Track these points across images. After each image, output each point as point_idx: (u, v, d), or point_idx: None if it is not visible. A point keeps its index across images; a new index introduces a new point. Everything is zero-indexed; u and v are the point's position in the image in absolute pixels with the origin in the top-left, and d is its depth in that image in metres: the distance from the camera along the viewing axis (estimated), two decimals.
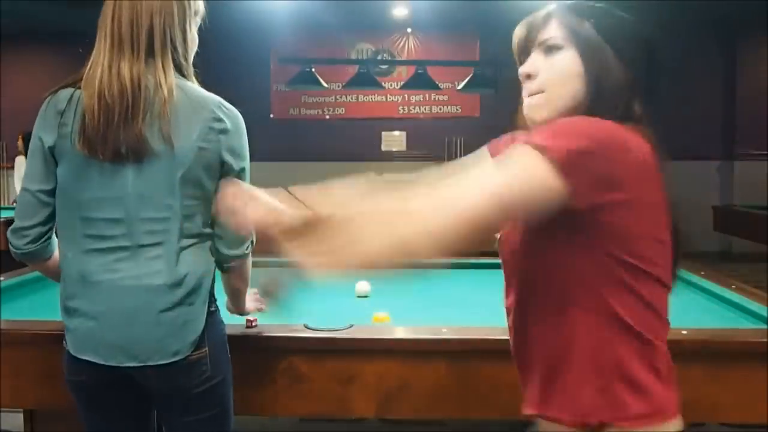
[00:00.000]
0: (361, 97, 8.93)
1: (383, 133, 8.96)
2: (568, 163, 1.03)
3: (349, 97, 8.91)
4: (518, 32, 1.27)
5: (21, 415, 2.27)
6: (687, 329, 1.94)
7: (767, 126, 8.06)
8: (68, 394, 1.87)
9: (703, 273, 2.71)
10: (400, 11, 7.90)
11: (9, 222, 5.18)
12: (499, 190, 1.03)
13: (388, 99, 8.88)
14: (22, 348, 2.01)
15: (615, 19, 1.28)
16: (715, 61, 8.73)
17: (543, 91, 1.22)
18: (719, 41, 8.70)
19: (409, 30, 8.75)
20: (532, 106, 1.23)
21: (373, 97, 8.86)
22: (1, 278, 2.66)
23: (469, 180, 1.05)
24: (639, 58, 1.26)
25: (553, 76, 1.21)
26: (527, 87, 1.23)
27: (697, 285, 2.62)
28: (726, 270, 2.99)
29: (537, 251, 1.16)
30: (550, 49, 1.22)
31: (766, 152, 8.12)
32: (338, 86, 8.02)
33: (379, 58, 8.86)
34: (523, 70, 1.24)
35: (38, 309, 2.37)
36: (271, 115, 9.02)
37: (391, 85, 8.60)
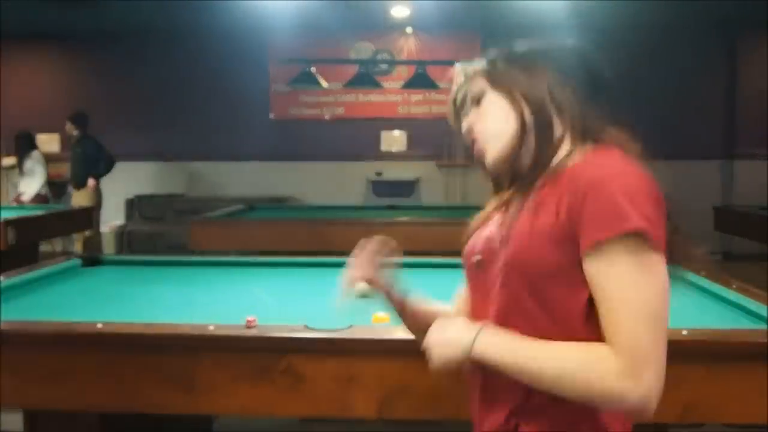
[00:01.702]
0: (360, 97, 8.92)
1: (383, 133, 8.96)
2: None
3: (348, 97, 8.90)
4: (450, 102, 1.32)
5: (21, 415, 2.27)
6: (687, 329, 1.94)
7: (767, 126, 8.06)
8: (68, 394, 1.87)
9: (703, 273, 2.71)
10: (400, 11, 7.90)
11: (9, 222, 5.18)
12: (663, 313, 1.12)
13: (388, 99, 8.87)
14: (22, 348, 2.01)
15: (527, 46, 1.29)
16: (715, 61, 8.73)
17: (481, 139, 1.25)
18: (719, 41, 8.69)
19: (409, 30, 8.74)
20: (479, 156, 1.26)
21: (372, 97, 8.86)
22: (1, 278, 2.66)
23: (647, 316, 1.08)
24: (570, 72, 1.27)
25: (484, 121, 1.25)
26: (470, 141, 1.27)
27: (697, 285, 2.62)
28: (726, 270, 2.98)
29: (560, 279, 1.13)
30: (476, 100, 1.27)
31: (766, 152, 8.12)
32: (338, 86, 8.01)
33: (379, 58, 8.86)
34: (463, 128, 1.28)
35: (38, 309, 2.37)
36: (271, 115, 9.02)
37: (391, 85, 8.60)
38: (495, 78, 1.24)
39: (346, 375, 1.92)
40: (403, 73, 8.53)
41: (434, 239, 4.50)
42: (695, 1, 7.31)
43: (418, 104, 8.79)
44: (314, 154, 8.89)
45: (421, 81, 6.75)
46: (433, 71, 6.90)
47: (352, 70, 7.22)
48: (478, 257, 1.25)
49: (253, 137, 8.87)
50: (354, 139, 8.94)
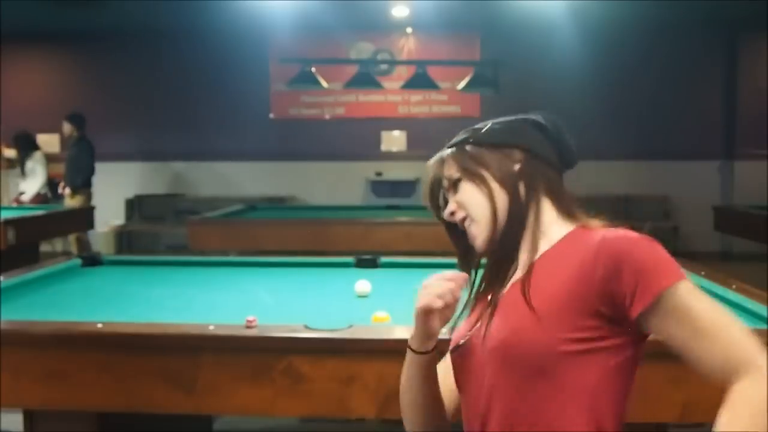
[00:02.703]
0: (361, 97, 8.93)
1: (383, 133, 8.96)
2: None
3: (348, 97, 8.90)
4: (426, 189, 1.34)
5: (21, 415, 2.27)
6: None
7: (767, 126, 8.06)
8: (68, 394, 1.87)
9: (703, 273, 2.71)
10: (400, 11, 7.89)
11: (9, 222, 5.19)
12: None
13: (388, 99, 8.87)
14: (22, 348, 2.01)
15: (490, 125, 1.31)
16: (715, 61, 8.73)
17: (472, 220, 1.26)
18: (719, 41, 8.69)
19: (409, 30, 8.74)
20: (470, 234, 1.28)
21: (373, 97, 8.86)
22: (1, 278, 2.66)
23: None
24: (532, 135, 1.29)
25: (468, 204, 1.26)
26: (459, 222, 1.28)
27: (697, 285, 2.61)
28: (726, 270, 2.98)
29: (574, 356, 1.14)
30: (453, 186, 1.29)
31: (766, 152, 8.12)
32: (338, 86, 8.01)
33: (379, 58, 8.86)
34: (446, 214, 1.29)
35: (38, 309, 2.37)
36: (271, 115, 9.02)
37: (391, 85, 8.59)
38: (464, 164, 1.27)
39: (346, 375, 1.92)
40: (403, 73, 8.53)
41: (434, 239, 4.50)
42: (695, 1, 7.31)
43: (418, 104, 8.79)
44: (314, 154, 8.90)
45: (421, 81, 6.74)
46: (433, 71, 6.89)
47: (352, 70, 7.21)
48: (462, 341, 1.25)
49: (253, 137, 8.87)
50: (354, 139, 8.94)
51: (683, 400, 1.87)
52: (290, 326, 2.00)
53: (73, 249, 7.49)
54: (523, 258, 1.23)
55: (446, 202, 1.32)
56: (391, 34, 8.83)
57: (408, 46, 8.88)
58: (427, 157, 1.32)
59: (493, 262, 1.26)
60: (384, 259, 3.22)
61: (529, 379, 1.14)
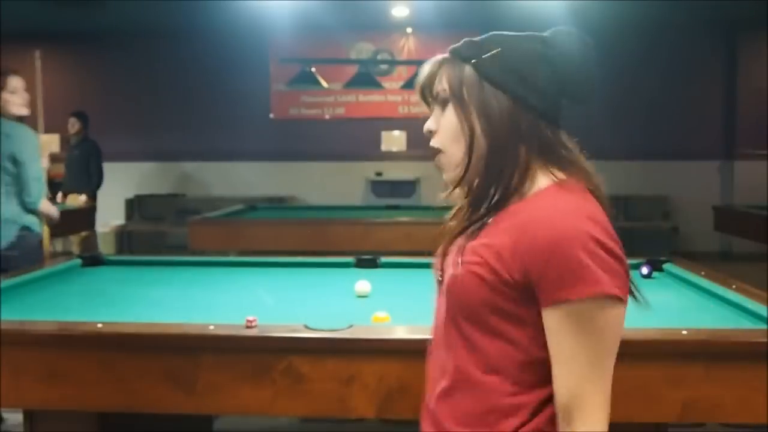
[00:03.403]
0: (361, 97, 8.93)
1: (383, 133, 8.96)
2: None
3: (349, 97, 8.90)
4: (419, 79, 1.25)
5: (21, 415, 2.27)
6: (687, 329, 1.94)
7: (767, 126, 8.06)
8: (68, 393, 1.87)
9: (703, 273, 2.71)
10: (400, 11, 7.90)
11: None
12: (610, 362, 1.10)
13: (388, 99, 8.87)
14: (22, 348, 2.01)
15: (501, 45, 1.18)
16: (715, 61, 8.73)
17: (442, 151, 1.21)
18: (719, 41, 8.70)
19: (409, 30, 8.74)
20: (438, 166, 1.23)
21: (373, 97, 8.86)
22: (1, 278, 2.66)
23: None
24: (542, 83, 1.17)
25: (446, 134, 1.20)
26: (432, 142, 1.22)
27: (697, 285, 2.62)
28: (726, 270, 2.98)
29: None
30: (442, 102, 1.21)
31: (766, 152, 8.12)
32: (338, 86, 8.01)
33: (379, 58, 8.86)
34: (425, 126, 1.23)
35: (38, 309, 2.37)
36: (271, 115, 9.02)
37: (391, 85, 8.60)
38: (457, 88, 1.17)
39: (346, 375, 1.92)
40: (403, 73, 8.53)
41: (434, 239, 4.50)
42: (695, 1, 7.31)
43: (418, 104, 8.72)
44: (314, 154, 8.90)
45: None
46: None
47: (352, 70, 7.22)
48: (438, 275, 1.25)
49: (253, 137, 8.88)
50: (354, 139, 8.94)
51: (683, 400, 1.87)
52: (290, 326, 2.00)
53: (75, 249, 7.48)
54: (479, 204, 1.19)
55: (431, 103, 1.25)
56: (391, 34, 8.83)
57: (408, 46, 8.88)
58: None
59: (465, 203, 1.23)
60: (384, 259, 3.22)
61: (461, 324, 1.15)
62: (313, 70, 6.46)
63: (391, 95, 8.79)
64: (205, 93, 8.87)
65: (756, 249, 6.63)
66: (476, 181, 1.18)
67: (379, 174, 8.85)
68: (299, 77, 6.52)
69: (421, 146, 9.25)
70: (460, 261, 1.15)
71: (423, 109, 1.28)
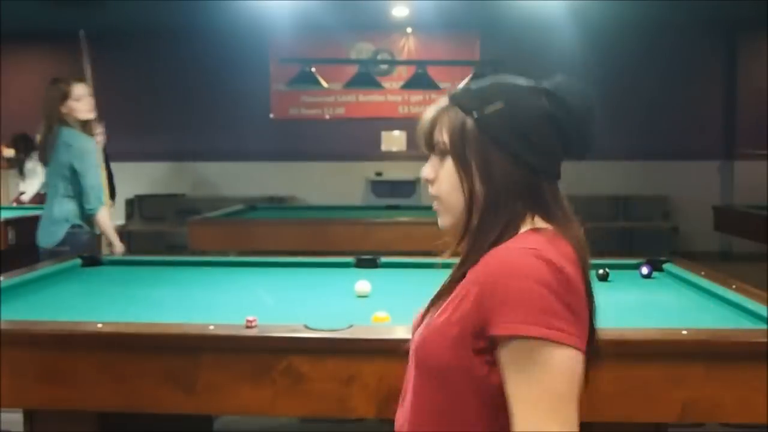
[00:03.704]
0: (361, 97, 8.93)
1: (383, 133, 8.96)
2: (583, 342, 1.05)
3: (349, 97, 8.90)
4: (421, 125, 1.22)
5: (21, 415, 2.27)
6: (687, 329, 1.94)
7: (767, 126, 8.06)
8: (68, 394, 1.87)
9: (703, 273, 2.71)
10: (400, 11, 7.90)
11: (9, 222, 5.19)
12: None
13: (388, 99, 8.87)
14: (22, 348, 2.01)
15: (506, 101, 1.14)
16: (715, 61, 8.73)
17: (439, 198, 1.20)
18: (719, 41, 8.70)
19: (409, 30, 8.74)
20: (436, 211, 1.22)
21: (373, 97, 8.86)
22: (1, 278, 2.66)
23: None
24: (546, 142, 1.14)
25: (444, 184, 1.18)
26: (430, 190, 1.22)
27: (697, 285, 2.62)
28: (726, 270, 2.98)
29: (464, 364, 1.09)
30: (441, 153, 1.19)
31: (766, 152, 8.12)
32: (338, 86, 8.01)
33: (379, 58, 8.86)
34: (422, 174, 1.22)
35: (38, 309, 2.37)
36: (271, 115, 9.02)
37: (391, 85, 8.59)
38: (457, 144, 1.15)
39: (346, 375, 1.92)
40: (403, 73, 8.53)
41: (434, 239, 4.50)
42: (695, 1, 7.31)
43: (418, 104, 8.79)
44: (314, 154, 8.89)
45: (421, 81, 6.75)
46: (433, 71, 6.90)
47: (352, 70, 7.22)
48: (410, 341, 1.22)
49: (253, 137, 8.87)
50: (354, 139, 8.94)
51: (683, 400, 1.87)
52: (290, 326, 2.00)
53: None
54: (469, 259, 1.16)
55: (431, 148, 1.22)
56: (391, 34, 8.83)
57: (408, 46, 8.88)
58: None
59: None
60: (384, 259, 3.22)
61: (428, 384, 1.13)
62: (313, 70, 6.47)
63: (391, 95, 8.79)
64: (205, 93, 8.87)
65: (756, 249, 6.63)
66: (469, 233, 1.16)
67: (379, 174, 8.85)
68: (299, 77, 6.52)
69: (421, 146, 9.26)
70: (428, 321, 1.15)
71: (423, 109, 1.26)
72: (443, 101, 1.20)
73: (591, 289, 1.14)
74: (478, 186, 1.14)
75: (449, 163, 1.17)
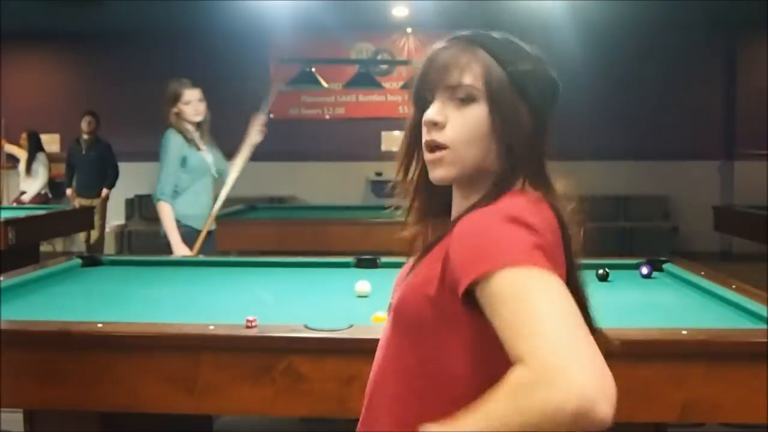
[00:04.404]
0: (361, 97, 8.93)
1: (383, 133, 8.96)
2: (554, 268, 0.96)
3: (349, 97, 8.90)
4: (431, 65, 1.12)
5: (21, 415, 2.27)
6: (687, 329, 1.94)
7: (767, 126, 8.06)
8: (68, 394, 1.87)
9: (703, 273, 2.71)
10: (400, 11, 7.90)
11: (9, 222, 5.19)
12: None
13: (388, 99, 8.87)
14: (22, 348, 2.01)
15: (532, 63, 1.11)
16: (715, 61, 8.73)
17: (448, 148, 1.09)
18: (719, 41, 8.70)
19: (409, 30, 8.74)
20: (436, 161, 1.10)
21: (373, 97, 8.86)
22: (1, 278, 2.66)
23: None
24: (550, 108, 1.13)
25: (463, 133, 1.08)
26: (432, 135, 1.09)
27: (697, 285, 2.62)
28: (726, 270, 2.98)
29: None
30: (464, 99, 1.08)
31: (766, 152, 8.12)
32: (338, 86, 8.01)
33: (379, 58, 8.86)
34: (430, 116, 1.09)
35: (38, 309, 2.37)
36: (271, 115, 9.00)
37: (391, 85, 8.59)
38: (495, 91, 1.07)
39: (346, 375, 1.92)
40: (403, 73, 8.53)
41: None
42: (695, 1, 7.31)
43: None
44: (314, 154, 8.89)
45: None
46: None
47: (352, 70, 7.21)
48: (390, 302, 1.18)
49: None
50: (354, 139, 8.94)
51: (683, 400, 1.87)
52: (290, 326, 2.00)
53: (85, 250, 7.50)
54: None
55: (433, 93, 1.11)
56: (391, 34, 8.83)
57: (408, 46, 8.88)
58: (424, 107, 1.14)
59: (436, 202, 1.18)
60: (384, 259, 3.22)
61: (406, 341, 1.10)
62: (313, 70, 6.46)
63: (391, 95, 8.79)
64: (205, 93, 8.83)
65: (756, 249, 6.63)
66: (473, 189, 1.11)
67: (379, 174, 8.85)
68: (299, 77, 6.52)
69: None
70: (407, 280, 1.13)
71: None
72: (461, 42, 1.12)
73: (574, 268, 1.09)
74: (505, 141, 1.08)
75: (476, 111, 1.08)
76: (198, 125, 4.05)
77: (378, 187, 8.72)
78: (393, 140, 8.97)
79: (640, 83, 8.53)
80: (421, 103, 1.13)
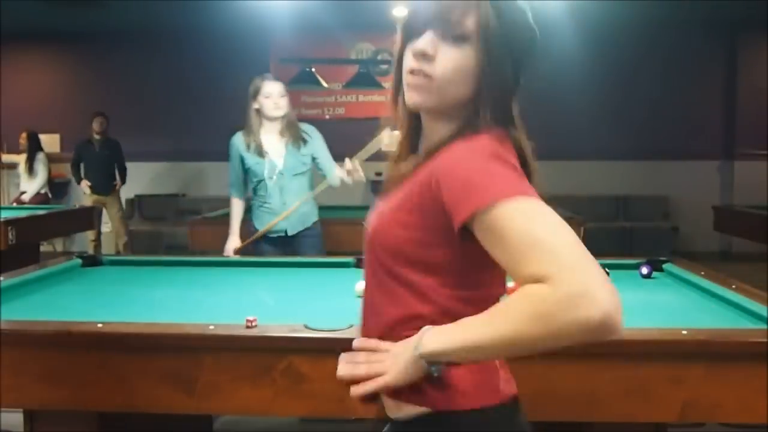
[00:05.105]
0: (361, 97, 8.93)
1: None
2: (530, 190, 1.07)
3: (349, 97, 8.90)
4: (429, 3, 1.15)
5: (21, 415, 2.27)
6: (687, 329, 1.94)
7: (767, 126, 8.06)
8: (68, 393, 1.86)
9: (703, 273, 2.71)
10: (400, 11, 7.89)
11: (9, 222, 5.19)
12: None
13: (389, 99, 8.86)
14: (22, 348, 2.01)
15: (519, 13, 1.16)
16: (715, 61, 8.73)
17: (433, 79, 1.14)
18: (719, 41, 8.70)
19: None
20: (417, 86, 1.15)
21: (373, 97, 8.86)
22: (1, 278, 2.66)
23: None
24: (528, 56, 1.18)
25: (451, 70, 1.13)
26: (420, 65, 1.14)
27: (697, 285, 2.62)
28: (726, 270, 2.98)
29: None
30: (458, 37, 1.13)
31: (766, 152, 8.12)
32: (338, 86, 8.01)
33: (379, 58, 8.86)
34: (422, 47, 1.13)
35: (38, 309, 2.37)
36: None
37: (391, 85, 8.59)
38: (488, 36, 1.12)
39: None
40: None
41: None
42: (695, 1, 7.31)
43: None
44: None
45: None
46: None
47: (352, 70, 7.22)
48: (366, 226, 1.26)
49: None
50: (354, 139, 8.90)
51: (683, 400, 1.87)
52: (290, 326, 2.00)
53: (90, 250, 7.51)
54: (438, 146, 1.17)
55: (425, 25, 1.15)
56: (391, 34, 8.78)
57: None
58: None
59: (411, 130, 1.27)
60: None
61: (381, 268, 1.19)
62: (313, 70, 6.46)
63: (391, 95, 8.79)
64: (205, 93, 8.86)
65: (756, 249, 6.64)
66: (450, 124, 1.17)
67: (379, 174, 8.84)
68: (299, 77, 6.52)
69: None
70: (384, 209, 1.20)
71: None
72: None
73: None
74: (485, 82, 1.13)
75: (467, 52, 1.12)
76: (280, 121, 3.92)
77: (378, 187, 8.71)
78: (393, 140, 8.96)
79: (640, 83, 8.53)
80: (410, 33, 1.18)
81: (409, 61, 1.16)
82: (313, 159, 4.02)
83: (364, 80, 6.79)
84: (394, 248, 1.16)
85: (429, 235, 1.12)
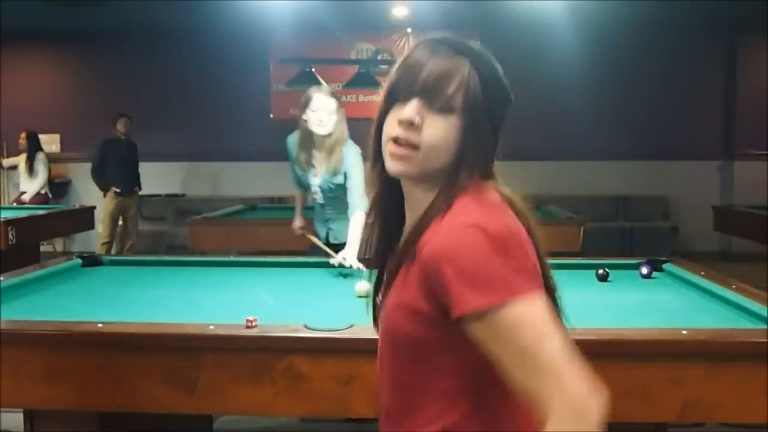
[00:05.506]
0: (361, 97, 8.92)
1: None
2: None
3: (349, 97, 8.89)
4: (415, 65, 1.12)
5: (21, 415, 2.27)
6: (687, 329, 1.94)
7: (767, 126, 8.06)
8: (68, 394, 1.86)
9: (703, 273, 2.71)
10: (400, 11, 7.90)
11: (9, 222, 5.19)
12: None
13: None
14: (22, 348, 2.01)
15: (500, 81, 1.15)
16: (715, 61, 8.73)
17: (419, 149, 1.10)
18: (719, 41, 8.70)
19: (409, 30, 8.74)
20: (402, 156, 1.11)
21: (373, 97, 8.85)
22: (1, 278, 2.66)
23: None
24: (503, 120, 1.16)
25: (437, 140, 1.10)
26: (406, 134, 1.10)
27: (697, 285, 2.62)
28: (726, 270, 2.98)
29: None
30: (447, 108, 1.10)
31: (766, 152, 8.12)
32: (338, 86, 8.01)
33: (379, 58, 8.85)
34: (409, 116, 1.09)
35: (38, 309, 2.37)
36: (271, 115, 9.01)
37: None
38: (471, 110, 1.10)
39: (346, 375, 1.92)
40: None
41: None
42: (695, 1, 7.31)
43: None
44: None
45: None
46: None
47: (352, 70, 7.22)
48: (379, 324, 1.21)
49: (253, 137, 8.87)
50: (354, 139, 8.91)
51: (683, 400, 1.87)
52: (290, 326, 2.00)
53: (98, 251, 7.49)
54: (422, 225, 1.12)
55: (410, 92, 1.11)
56: (391, 34, 8.83)
57: (408, 46, 8.87)
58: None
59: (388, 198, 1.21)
60: None
61: (400, 360, 1.13)
62: (313, 70, 6.46)
63: None
64: (206, 93, 8.86)
65: (756, 249, 6.63)
66: (434, 191, 1.13)
67: None
68: (299, 77, 6.51)
69: None
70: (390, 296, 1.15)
71: None
72: (449, 50, 1.13)
73: (545, 265, 1.13)
74: (467, 148, 1.11)
75: (452, 122, 1.10)
76: (326, 139, 3.62)
77: None
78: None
79: (640, 83, 8.53)
80: (393, 98, 1.14)
81: (392, 129, 1.12)
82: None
83: (364, 80, 6.78)
84: (410, 342, 1.12)
85: (441, 325, 1.08)
